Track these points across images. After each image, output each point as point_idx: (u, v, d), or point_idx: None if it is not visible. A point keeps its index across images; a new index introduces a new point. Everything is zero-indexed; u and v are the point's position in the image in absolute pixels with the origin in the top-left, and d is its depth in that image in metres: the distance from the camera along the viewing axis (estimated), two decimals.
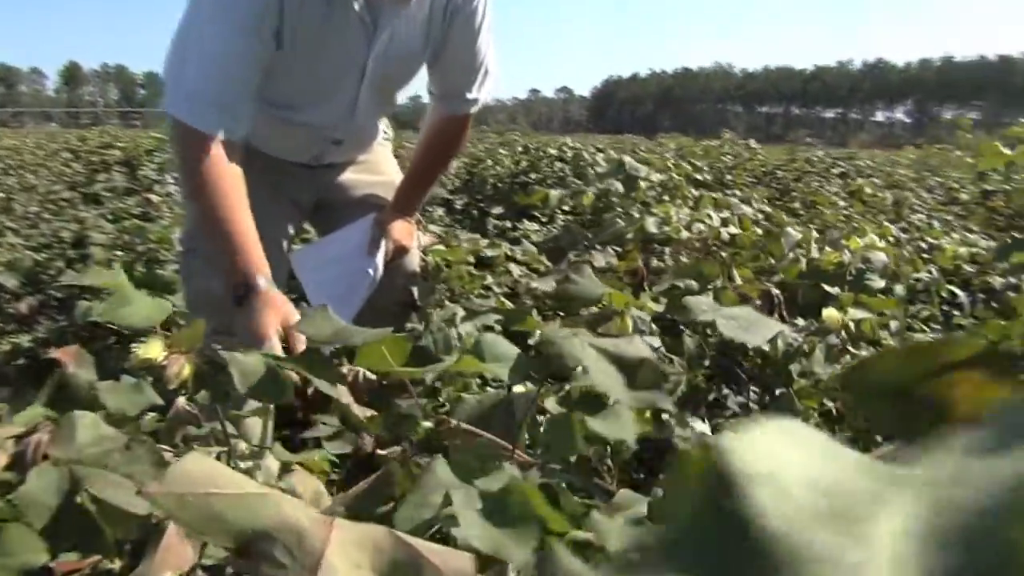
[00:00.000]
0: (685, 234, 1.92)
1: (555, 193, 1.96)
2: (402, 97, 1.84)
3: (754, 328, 0.92)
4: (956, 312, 2.43)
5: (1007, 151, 1.93)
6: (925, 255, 2.98)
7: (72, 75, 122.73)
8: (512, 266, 2.39)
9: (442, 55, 1.64)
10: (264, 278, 1.34)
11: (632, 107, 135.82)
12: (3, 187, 5.65)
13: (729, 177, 6.01)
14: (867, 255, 1.36)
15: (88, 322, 2.37)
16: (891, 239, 3.04)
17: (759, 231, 2.20)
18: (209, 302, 1.72)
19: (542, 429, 0.69)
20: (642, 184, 2.38)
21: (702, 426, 1.34)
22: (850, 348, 1.24)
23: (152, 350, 0.81)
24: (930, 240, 3.23)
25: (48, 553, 0.61)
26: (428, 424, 0.92)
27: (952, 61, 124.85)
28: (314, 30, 1.45)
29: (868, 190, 4.66)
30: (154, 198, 3.83)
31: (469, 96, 1.72)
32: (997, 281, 3.33)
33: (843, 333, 1.23)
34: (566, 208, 4.41)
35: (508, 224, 4.01)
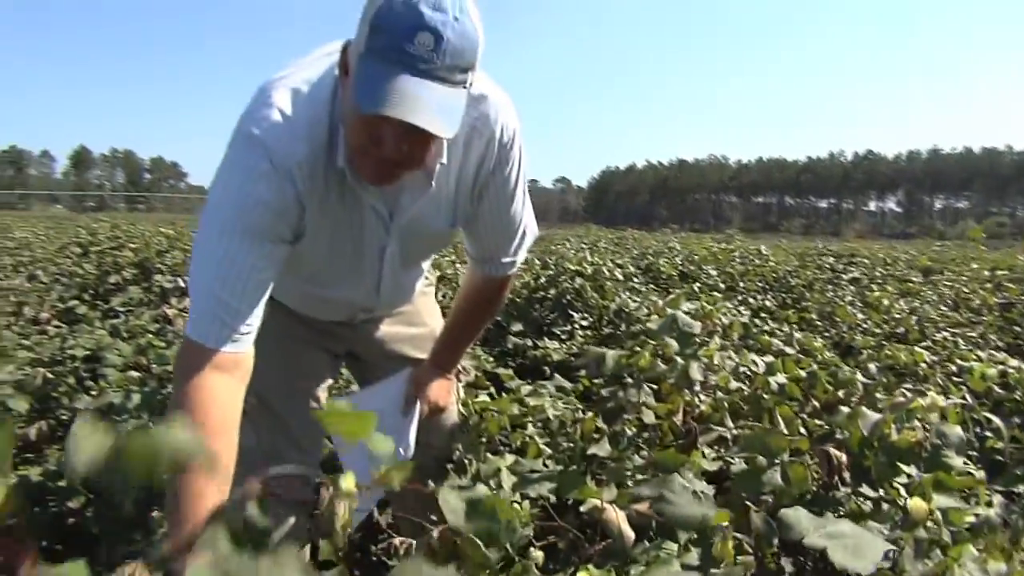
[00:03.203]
0: (734, 384, 1.87)
1: (611, 353, 1.91)
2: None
3: (863, 550, 0.86)
4: (989, 435, 2.36)
5: None
6: (956, 378, 2.94)
7: (81, 159, 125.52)
8: (548, 406, 2.33)
9: (475, 224, 1.56)
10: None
11: (629, 197, 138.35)
12: (15, 289, 5.66)
13: (741, 284, 6.03)
14: (943, 429, 1.31)
15: None
16: (925, 363, 3.00)
17: (802, 373, 2.16)
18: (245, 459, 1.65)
19: None
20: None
21: None
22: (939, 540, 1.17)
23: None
24: (960, 362, 3.19)
25: None
26: None
27: (940, 153, 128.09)
28: (332, 222, 1.39)
29: (885, 302, 4.64)
30: (170, 312, 3.79)
31: (505, 260, 1.65)
32: None
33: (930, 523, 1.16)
34: (584, 323, 4.38)
35: (528, 342, 3.97)
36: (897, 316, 4.50)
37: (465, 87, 1.16)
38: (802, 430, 1.87)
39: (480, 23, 1.15)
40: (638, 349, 2.38)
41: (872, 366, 2.85)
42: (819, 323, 4.72)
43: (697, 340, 1.68)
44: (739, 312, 4.37)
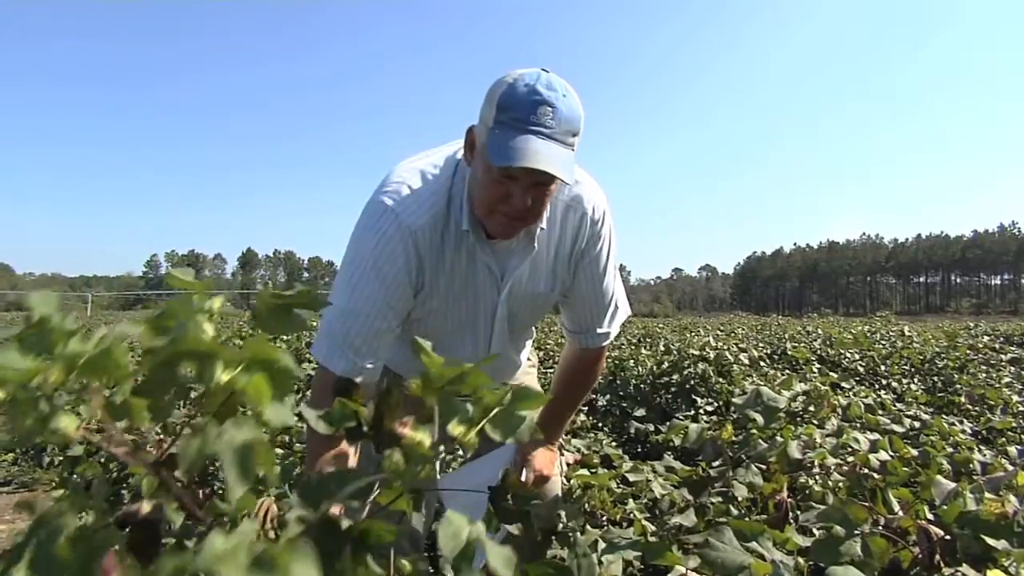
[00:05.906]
0: (832, 461, 1.87)
1: (694, 427, 1.99)
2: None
3: None
4: None
5: None
6: None
7: (248, 260, 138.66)
8: (655, 484, 2.39)
9: (571, 295, 1.79)
10: None
11: (777, 283, 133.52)
12: None
13: (883, 368, 5.74)
14: None
15: None
16: None
17: (913, 452, 2.11)
18: None
19: None
20: (784, 394, 2.37)
21: None
22: None
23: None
24: None
25: None
26: None
27: None
28: (448, 280, 1.63)
29: None
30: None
31: (599, 331, 1.84)
32: None
33: None
34: (709, 409, 4.35)
35: (650, 427, 3.99)
36: None
37: (573, 149, 1.43)
38: (930, 515, 1.83)
39: (580, 102, 1.44)
40: (754, 432, 2.40)
41: (1013, 449, 2.69)
42: (970, 407, 4.44)
43: (783, 415, 1.71)
44: (880, 396, 4.19)
